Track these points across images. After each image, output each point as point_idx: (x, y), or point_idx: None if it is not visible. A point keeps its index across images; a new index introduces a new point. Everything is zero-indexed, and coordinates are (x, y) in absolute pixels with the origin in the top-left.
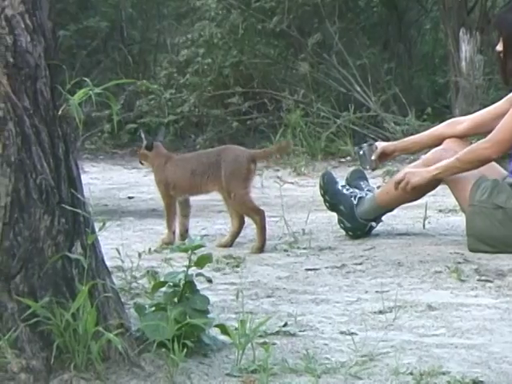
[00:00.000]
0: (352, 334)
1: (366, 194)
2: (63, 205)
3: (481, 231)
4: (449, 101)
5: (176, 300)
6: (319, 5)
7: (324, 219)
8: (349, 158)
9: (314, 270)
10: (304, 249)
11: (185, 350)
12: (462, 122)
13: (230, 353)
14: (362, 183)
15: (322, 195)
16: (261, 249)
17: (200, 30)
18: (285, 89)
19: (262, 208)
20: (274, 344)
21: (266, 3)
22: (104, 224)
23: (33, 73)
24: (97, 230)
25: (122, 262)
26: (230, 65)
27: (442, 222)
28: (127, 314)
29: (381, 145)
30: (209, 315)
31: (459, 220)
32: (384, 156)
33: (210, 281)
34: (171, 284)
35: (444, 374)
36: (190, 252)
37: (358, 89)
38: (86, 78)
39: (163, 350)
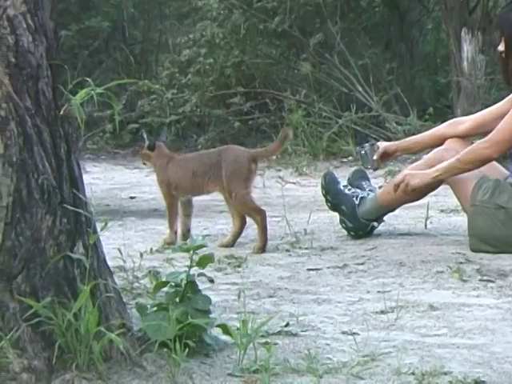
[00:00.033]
0: (354, 334)
1: (368, 194)
2: (65, 205)
3: (482, 231)
4: (450, 101)
5: (178, 300)
6: (321, 5)
7: (326, 219)
8: (350, 157)
9: (315, 270)
10: (306, 249)
11: (186, 349)
12: (463, 122)
13: (231, 353)
14: (363, 183)
15: (324, 195)
16: (262, 249)
17: (202, 30)
18: (287, 89)
19: (263, 208)
20: (276, 344)
21: (268, 3)
22: (106, 224)
23: (35, 73)
24: (99, 229)
25: (124, 261)
26: (232, 65)
27: (444, 222)
28: (129, 314)
29: (382, 145)
30: (210, 315)
31: (461, 220)
32: (386, 156)
33: (211, 281)
34: (173, 284)
35: (446, 374)
36: (191, 252)
37: (360, 89)
38: (87, 78)
39: (165, 349)
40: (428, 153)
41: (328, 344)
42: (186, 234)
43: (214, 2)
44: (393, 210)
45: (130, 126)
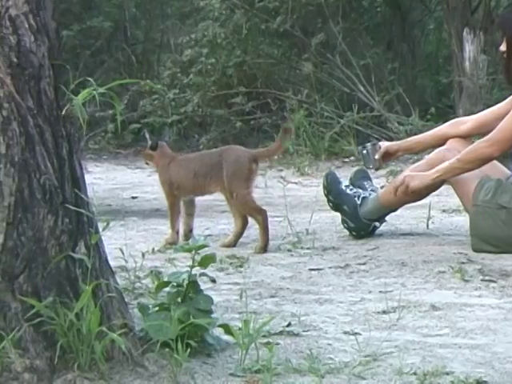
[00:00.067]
0: (355, 334)
1: (370, 194)
2: (67, 205)
3: (484, 231)
4: (452, 101)
5: (179, 300)
6: (323, 5)
7: (327, 219)
8: (352, 157)
9: (317, 269)
10: (307, 249)
11: (188, 349)
12: (465, 122)
13: (233, 353)
14: (365, 183)
15: (326, 195)
16: (264, 248)
17: (203, 30)
18: (288, 89)
19: (264, 208)
20: (278, 344)
21: (270, 3)
22: (108, 224)
23: (36, 73)
24: (100, 229)
25: (126, 261)
26: (234, 65)
27: (446, 222)
28: (131, 314)
29: (384, 144)
30: (212, 315)
31: (463, 220)
32: (387, 156)
33: (213, 281)
34: (175, 284)
35: (448, 374)
36: (193, 252)
37: (362, 89)
38: (89, 78)
39: (167, 349)
40: (430, 153)
41: (330, 344)
42: (188, 233)
43: (215, 2)
44: (395, 210)
45: (131, 125)
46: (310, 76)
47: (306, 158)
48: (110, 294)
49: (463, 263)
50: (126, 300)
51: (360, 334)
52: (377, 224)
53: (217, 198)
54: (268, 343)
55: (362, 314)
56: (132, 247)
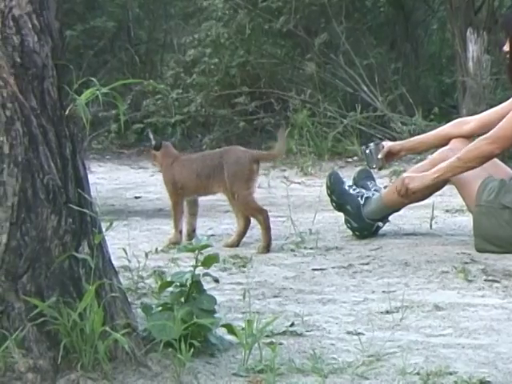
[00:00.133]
0: (359, 333)
1: (373, 194)
2: (70, 205)
3: (488, 231)
4: (456, 101)
5: (183, 300)
6: (326, 5)
7: (331, 219)
8: (355, 157)
9: (320, 269)
10: (311, 249)
11: (191, 349)
12: (468, 122)
13: (236, 352)
14: (368, 183)
15: (329, 195)
16: (267, 248)
17: (207, 30)
18: (291, 89)
19: (266, 208)
20: (281, 344)
21: (273, 3)
22: (111, 224)
23: (40, 73)
24: (104, 229)
25: (129, 261)
26: (237, 65)
27: (449, 222)
28: (134, 314)
29: (387, 144)
30: (215, 315)
31: (466, 220)
32: (390, 155)
33: (216, 281)
34: (178, 284)
35: (451, 374)
36: (196, 252)
37: (365, 89)
38: (92, 78)
39: (170, 349)
40: (433, 153)
41: (333, 344)
42: (191, 233)
43: (219, 2)
44: (398, 210)
45: (135, 125)
46: (313, 76)
47: (309, 158)
48: (113, 294)
49: (466, 263)
50: (130, 300)
51: (363, 334)
52: (380, 224)
53: (220, 198)
54: (271, 343)
55: (365, 314)
56: (135, 247)
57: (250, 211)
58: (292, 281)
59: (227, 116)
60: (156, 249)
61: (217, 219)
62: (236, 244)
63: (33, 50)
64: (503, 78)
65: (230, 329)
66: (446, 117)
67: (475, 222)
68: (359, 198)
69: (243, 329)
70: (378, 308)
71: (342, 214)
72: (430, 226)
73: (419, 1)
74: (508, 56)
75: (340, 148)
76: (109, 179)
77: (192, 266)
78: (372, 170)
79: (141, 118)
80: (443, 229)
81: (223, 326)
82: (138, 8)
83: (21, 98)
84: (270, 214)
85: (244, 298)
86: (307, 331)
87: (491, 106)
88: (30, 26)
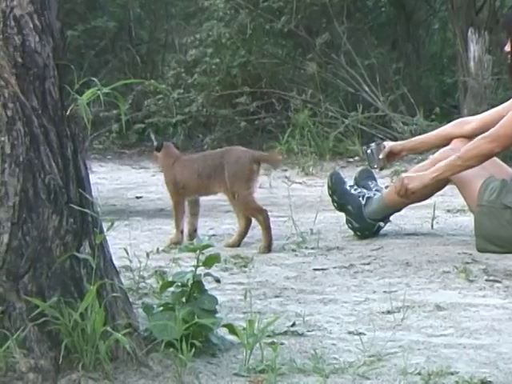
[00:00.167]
0: (360, 334)
1: (374, 194)
2: (71, 205)
3: (489, 231)
4: (457, 101)
5: (184, 300)
6: (327, 5)
7: (332, 219)
8: (357, 157)
9: (321, 269)
10: (312, 249)
11: (193, 349)
12: (469, 122)
13: (238, 353)
14: (370, 183)
15: (330, 195)
16: (268, 248)
17: (208, 30)
18: (293, 89)
19: (267, 208)
20: (282, 344)
21: (274, 3)
22: (112, 224)
23: (41, 73)
24: (105, 229)
25: (130, 261)
26: (238, 65)
27: (450, 222)
28: (135, 314)
29: (389, 144)
30: (217, 315)
31: (467, 220)
32: (392, 155)
33: (218, 281)
34: (179, 284)
35: (452, 374)
36: (198, 252)
37: (366, 89)
38: (94, 78)
39: (171, 349)
40: (434, 153)
41: (334, 344)
42: (193, 233)
43: (220, 2)
44: (399, 210)
45: (136, 125)
46: (314, 76)
47: (311, 158)
48: (114, 294)
49: (468, 263)
50: (131, 300)
51: (364, 334)
52: (381, 224)
53: (221, 198)
54: (272, 343)
55: (366, 314)
56: (136, 247)
57: (250, 211)
58: (293, 281)
59: (228, 116)
60: (157, 249)
61: (218, 219)
62: (237, 244)
63: (34, 50)
64: (504, 78)
65: (232, 329)
66: (448, 117)
67: (476, 222)
68: (360, 198)
69: (244, 329)
70: (379, 308)
71: (343, 214)
72: (432, 225)
73: (420, 1)
74: (509, 56)
75: (341, 148)
76: (110, 179)
77: (193, 265)
78: (373, 170)
79: (142, 118)
80: (444, 229)
81: (224, 326)
82: (139, 8)
83: (22, 98)
84: (271, 214)
85: (245, 297)
86: (308, 331)
87: (492, 106)
88: (32, 26)
